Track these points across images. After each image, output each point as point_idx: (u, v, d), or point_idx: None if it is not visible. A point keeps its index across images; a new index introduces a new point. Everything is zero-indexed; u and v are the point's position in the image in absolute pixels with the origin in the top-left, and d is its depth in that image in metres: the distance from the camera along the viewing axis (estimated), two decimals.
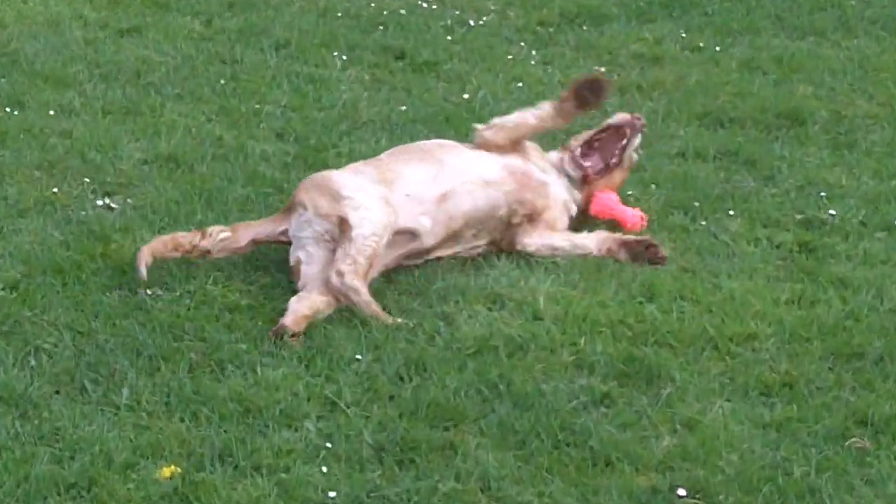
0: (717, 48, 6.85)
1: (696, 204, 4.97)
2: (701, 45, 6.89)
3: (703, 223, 4.76)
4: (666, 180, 5.37)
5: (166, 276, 4.03)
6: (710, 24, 7.13)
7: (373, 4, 6.88)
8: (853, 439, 3.28)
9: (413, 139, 5.15)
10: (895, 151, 5.46)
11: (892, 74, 6.49)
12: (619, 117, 4.96)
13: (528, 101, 5.77)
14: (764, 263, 4.50)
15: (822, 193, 4.79)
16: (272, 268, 4.16)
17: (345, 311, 3.61)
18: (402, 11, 6.81)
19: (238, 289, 3.96)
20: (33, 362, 3.45)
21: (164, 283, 4.01)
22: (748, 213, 4.89)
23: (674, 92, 6.45)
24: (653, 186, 5.11)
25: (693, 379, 3.58)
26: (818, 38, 6.64)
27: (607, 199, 4.88)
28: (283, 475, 3.04)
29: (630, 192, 4.96)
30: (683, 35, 7.04)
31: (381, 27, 6.55)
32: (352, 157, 4.91)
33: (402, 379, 3.55)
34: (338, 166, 4.70)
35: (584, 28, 7.02)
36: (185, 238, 4.22)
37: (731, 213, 4.93)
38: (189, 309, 3.86)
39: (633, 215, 4.85)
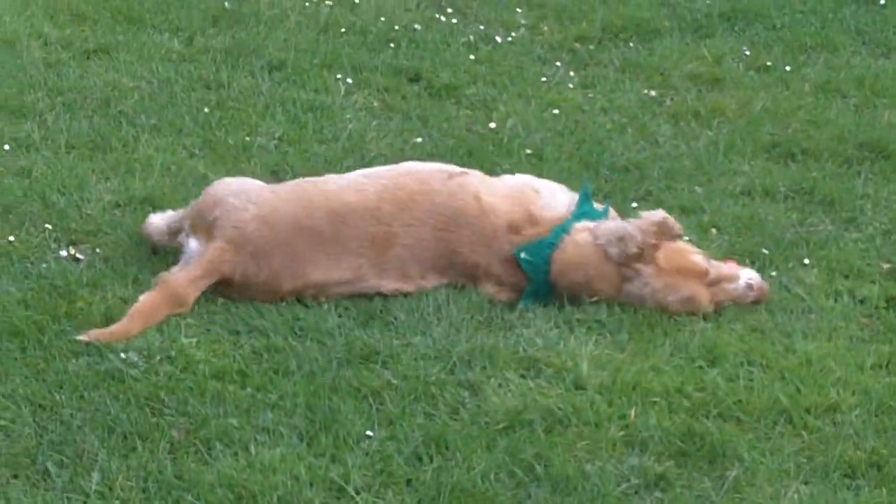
0: (788, 68, 6.92)
1: (765, 251, 4.99)
2: (768, 64, 6.97)
3: (774, 274, 4.76)
4: (729, 223, 5.42)
5: (141, 338, 4.07)
6: (779, 39, 7.30)
7: (382, 18, 6.99)
8: None
9: None
10: None
11: None
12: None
13: (566, 131, 6.35)
14: (846, 321, 4.48)
15: None
16: (266, 327, 4.21)
17: (353, 381, 3.68)
18: (417, 27, 6.96)
19: (225, 352, 3.97)
20: None
21: (139, 347, 4.03)
22: (826, 262, 4.88)
23: (737, 119, 6.54)
24: (714, 231, 5.11)
25: (764, 458, 3.56)
26: None
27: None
28: None
29: (687, 238, 4.86)
30: (747, 52, 7.13)
31: (391, 45, 6.70)
32: None
33: (420, 459, 3.53)
34: None
35: (631, 44, 7.14)
36: None
37: (807, 262, 4.95)
38: (169, 378, 3.85)
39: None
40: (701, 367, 3.97)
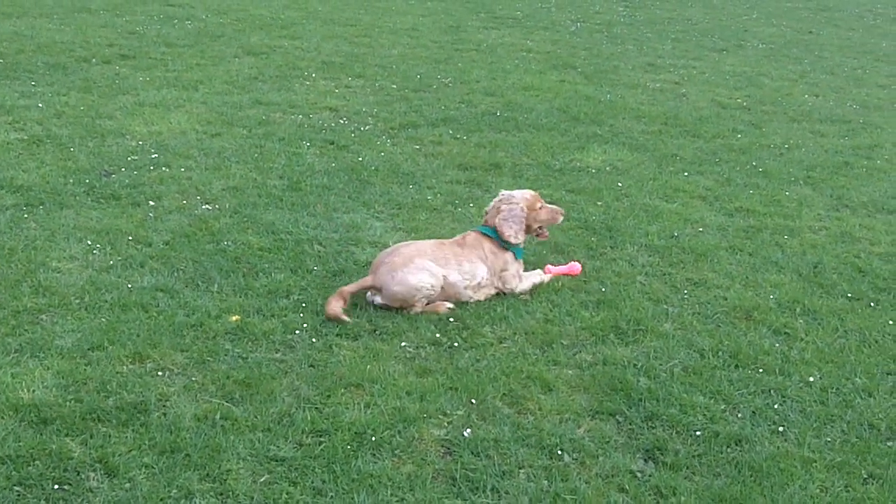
0: (465, 137, 10.00)
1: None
2: (458, 137, 10.24)
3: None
4: (447, 194, 8.20)
5: None
6: (463, 128, 10.60)
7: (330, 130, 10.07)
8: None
9: None
10: None
11: None
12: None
13: (389, 163, 8.65)
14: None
15: None
16: None
17: None
18: (353, 134, 9.93)
19: None
20: None
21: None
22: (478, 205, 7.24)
23: (448, 156, 9.50)
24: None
25: None
26: None
27: (554, 270, 6.68)
28: None
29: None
30: (451, 131, 10.38)
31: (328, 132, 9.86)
32: None
33: None
34: None
35: (405, 130, 10.46)
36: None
37: (472, 206, 7.41)
38: None
39: (573, 266, 6.76)
40: None
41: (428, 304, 6.08)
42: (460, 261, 6.17)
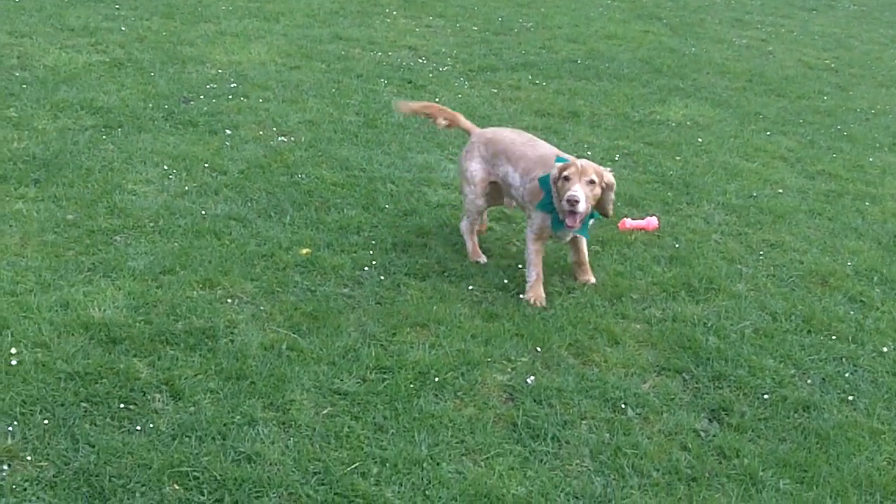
0: (544, 84, 9.94)
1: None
2: (536, 82, 9.81)
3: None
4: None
5: None
6: (542, 73, 10.46)
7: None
8: None
9: None
10: None
11: None
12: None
13: (461, 104, 8.60)
14: None
15: None
16: None
17: None
18: (431, 75, 10.35)
19: None
20: None
21: None
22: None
23: (526, 100, 9.39)
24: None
25: None
26: None
27: (630, 223, 6.58)
28: None
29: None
30: (530, 77, 10.14)
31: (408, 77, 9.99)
32: None
33: None
34: None
35: (487, 73, 10.10)
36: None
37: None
38: None
39: (650, 221, 6.65)
40: None
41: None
42: (524, 165, 5.71)
